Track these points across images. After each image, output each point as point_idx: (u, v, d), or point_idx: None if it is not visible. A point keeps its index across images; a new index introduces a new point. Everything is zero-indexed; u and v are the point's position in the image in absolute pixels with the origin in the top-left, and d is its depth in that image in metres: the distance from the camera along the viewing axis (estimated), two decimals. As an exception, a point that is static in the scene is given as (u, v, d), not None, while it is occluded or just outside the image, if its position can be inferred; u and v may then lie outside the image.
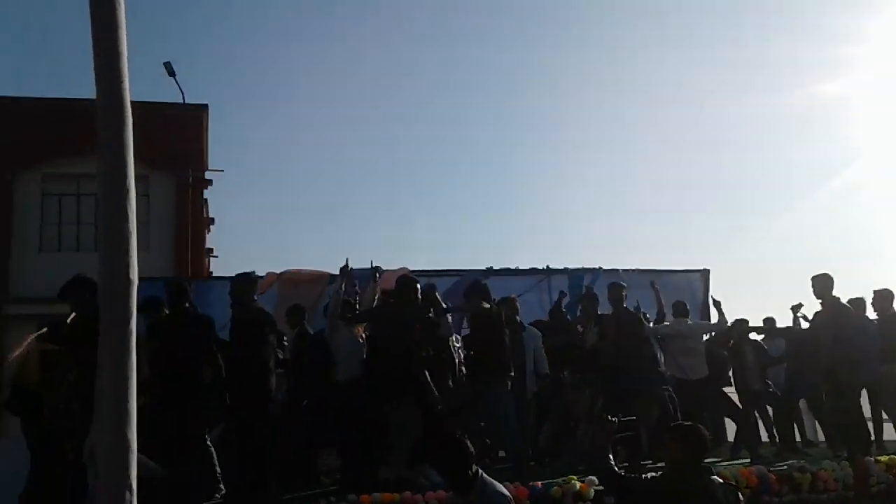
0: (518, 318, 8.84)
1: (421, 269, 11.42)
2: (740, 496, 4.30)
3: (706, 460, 4.31)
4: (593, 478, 6.51)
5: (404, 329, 7.11)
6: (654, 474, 4.49)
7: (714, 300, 9.66)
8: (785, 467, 7.07)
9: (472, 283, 8.23)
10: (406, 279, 7.72)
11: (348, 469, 7.17)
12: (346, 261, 8.13)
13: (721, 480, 4.23)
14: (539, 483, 6.45)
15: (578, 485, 6.41)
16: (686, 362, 8.85)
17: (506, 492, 4.61)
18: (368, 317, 7.63)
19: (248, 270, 7.58)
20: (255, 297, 7.71)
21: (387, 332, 7.16)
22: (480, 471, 4.59)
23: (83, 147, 19.12)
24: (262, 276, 11.33)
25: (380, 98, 48.80)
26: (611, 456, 4.52)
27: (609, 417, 4.61)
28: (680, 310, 9.32)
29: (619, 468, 4.49)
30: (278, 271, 11.99)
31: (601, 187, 51.42)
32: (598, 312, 9.15)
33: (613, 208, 50.49)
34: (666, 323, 9.27)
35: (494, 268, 11.99)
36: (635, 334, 8.31)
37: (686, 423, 4.52)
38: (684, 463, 4.12)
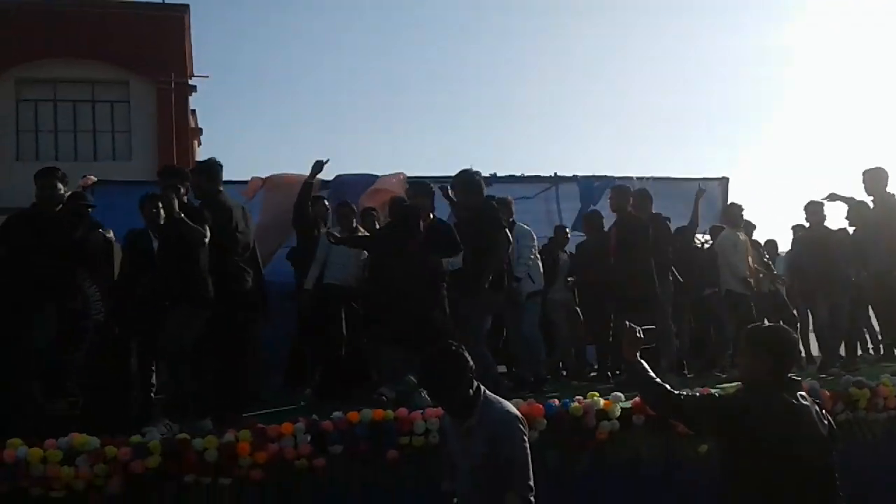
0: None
1: (419, 174, 10.43)
2: (833, 423, 3.38)
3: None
4: (619, 394, 5.65)
5: (415, 278, 6.08)
6: (719, 391, 3.56)
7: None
8: (839, 382, 6.18)
9: (460, 174, 6.95)
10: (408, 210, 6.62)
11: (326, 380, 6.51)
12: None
13: (809, 399, 3.31)
14: (556, 400, 5.57)
15: (602, 401, 5.54)
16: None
17: (515, 410, 3.70)
18: (364, 244, 6.79)
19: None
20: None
21: (393, 280, 6.14)
22: (484, 389, 3.67)
23: (60, 51, 18.14)
24: (246, 182, 10.53)
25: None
26: (647, 368, 3.60)
27: (631, 325, 3.69)
28: (734, 218, 8.48)
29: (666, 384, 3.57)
30: (263, 176, 10.93)
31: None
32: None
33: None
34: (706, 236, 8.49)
35: (498, 174, 11.10)
36: (634, 243, 7.32)
37: (770, 326, 3.63)
38: (767, 376, 3.22)
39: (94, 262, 5.69)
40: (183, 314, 5.34)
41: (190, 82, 20.06)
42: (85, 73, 18.67)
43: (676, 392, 3.49)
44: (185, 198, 5.55)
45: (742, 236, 8.28)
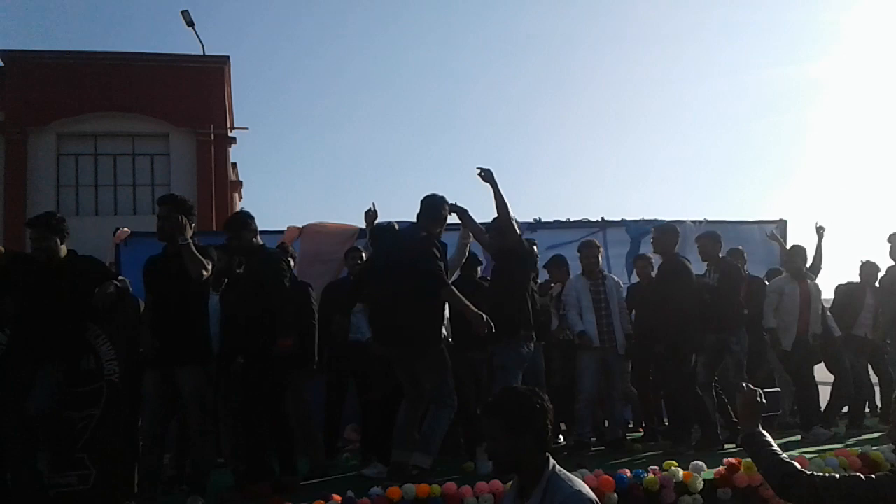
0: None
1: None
2: None
3: None
4: (700, 463, 4.90)
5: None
6: (867, 475, 2.82)
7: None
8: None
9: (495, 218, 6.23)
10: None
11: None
12: (373, 204, 6.89)
13: None
14: (627, 471, 4.83)
15: (681, 472, 4.79)
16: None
17: (589, 492, 2.96)
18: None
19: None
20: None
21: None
22: (554, 462, 2.98)
23: (101, 105, 18.13)
24: (282, 231, 10.11)
25: (413, 45, 47.11)
26: (771, 440, 2.90)
27: (750, 387, 3.01)
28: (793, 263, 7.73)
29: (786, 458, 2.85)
30: (301, 225, 10.50)
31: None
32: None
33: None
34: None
35: (543, 219, 10.56)
36: (674, 286, 6.65)
37: None
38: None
39: (109, 317, 5.13)
40: (196, 375, 4.90)
41: (230, 134, 19.92)
42: (125, 127, 18.62)
43: (809, 472, 2.78)
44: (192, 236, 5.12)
45: (797, 283, 7.44)
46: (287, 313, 5.17)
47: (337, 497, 4.43)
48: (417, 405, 5.33)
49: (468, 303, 5.21)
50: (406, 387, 5.36)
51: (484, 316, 5.10)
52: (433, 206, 5.60)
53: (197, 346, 5.00)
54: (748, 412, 3.00)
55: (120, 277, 5.56)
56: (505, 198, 5.78)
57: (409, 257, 5.28)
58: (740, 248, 8.02)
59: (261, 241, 5.50)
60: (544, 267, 7.77)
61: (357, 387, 6.78)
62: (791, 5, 49.50)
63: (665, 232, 7.00)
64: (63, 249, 4.96)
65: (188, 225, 5.07)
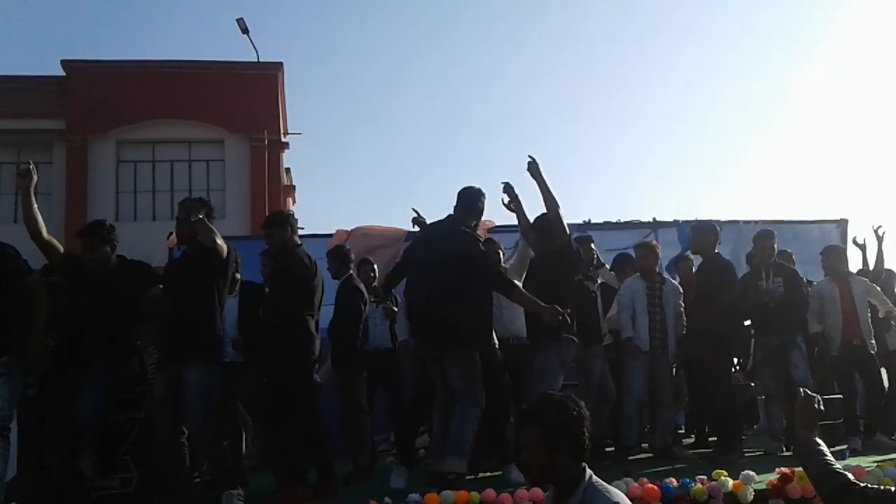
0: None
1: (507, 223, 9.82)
2: None
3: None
4: (751, 473, 4.72)
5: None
6: None
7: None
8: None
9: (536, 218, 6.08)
10: None
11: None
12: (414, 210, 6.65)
13: None
14: (674, 480, 4.68)
15: (731, 482, 4.62)
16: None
17: (627, 503, 2.83)
18: None
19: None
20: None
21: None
22: (591, 473, 2.86)
23: (158, 112, 18.51)
24: (331, 235, 10.15)
25: (469, 48, 47.05)
26: (825, 449, 2.76)
27: (808, 393, 2.87)
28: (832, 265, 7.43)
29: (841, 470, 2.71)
30: (349, 228, 10.53)
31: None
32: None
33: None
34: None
35: (593, 220, 10.39)
36: (716, 286, 6.44)
37: None
38: None
39: (153, 321, 5.18)
40: (197, 371, 4.81)
41: (283, 140, 20.15)
42: (182, 134, 18.98)
43: (862, 483, 2.64)
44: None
45: (837, 285, 7.10)
46: (286, 312, 5.10)
47: (373, 503, 4.37)
48: (451, 409, 5.16)
49: (535, 299, 5.14)
50: (440, 390, 5.23)
51: (556, 307, 5.02)
52: (469, 198, 5.46)
53: (201, 344, 4.84)
54: (805, 419, 2.86)
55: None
56: (554, 194, 5.63)
57: (457, 253, 5.15)
58: (788, 250, 7.73)
59: (299, 241, 5.44)
60: (611, 269, 7.63)
61: (387, 394, 6.77)
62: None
63: (702, 231, 6.77)
64: (113, 258, 5.03)
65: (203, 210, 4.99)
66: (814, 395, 2.88)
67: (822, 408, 2.84)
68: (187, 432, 4.96)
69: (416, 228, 6.66)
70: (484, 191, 5.55)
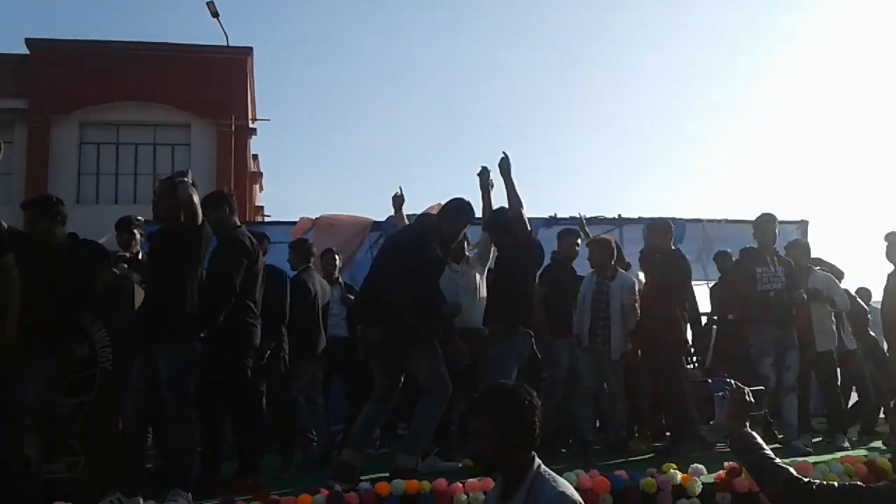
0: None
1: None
2: None
3: None
4: (699, 466, 4.77)
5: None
6: (869, 484, 2.69)
7: None
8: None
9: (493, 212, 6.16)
10: None
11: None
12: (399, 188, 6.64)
13: None
14: (623, 472, 4.71)
15: (679, 475, 4.66)
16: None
17: (573, 492, 2.83)
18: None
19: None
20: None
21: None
22: (539, 462, 2.87)
23: (124, 94, 18.23)
24: (295, 222, 10.08)
25: (437, 37, 47.00)
26: (762, 442, 2.78)
27: (738, 385, 2.90)
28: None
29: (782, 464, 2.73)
30: (314, 216, 10.45)
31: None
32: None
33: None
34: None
35: (559, 215, 10.43)
36: (667, 284, 6.50)
37: None
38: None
39: (105, 303, 5.08)
40: (182, 351, 4.63)
41: (251, 125, 19.96)
42: (147, 117, 18.74)
43: (805, 478, 2.65)
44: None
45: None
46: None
47: (325, 491, 4.34)
48: (384, 405, 5.15)
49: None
50: (378, 381, 5.14)
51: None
52: (453, 210, 5.45)
53: (174, 325, 4.64)
54: (736, 412, 2.88)
55: (121, 264, 5.56)
56: (519, 193, 5.68)
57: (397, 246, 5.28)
58: (728, 250, 7.79)
59: (238, 223, 5.33)
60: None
61: (343, 382, 6.85)
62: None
63: (658, 228, 6.79)
64: (60, 233, 4.89)
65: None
66: (742, 386, 2.90)
67: (752, 399, 2.86)
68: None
69: (394, 209, 6.68)
70: (472, 210, 5.53)
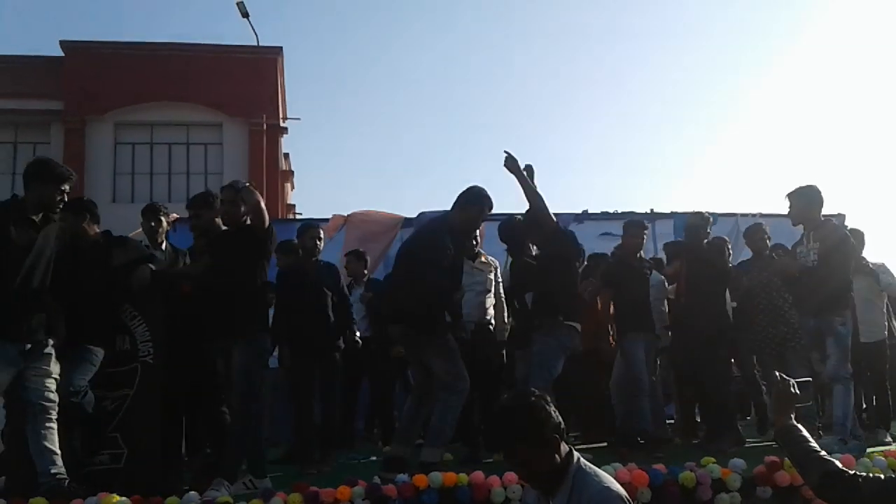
0: None
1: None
2: None
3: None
4: (739, 460, 4.73)
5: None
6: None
7: None
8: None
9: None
10: None
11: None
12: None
13: None
14: (661, 466, 4.68)
15: (719, 469, 4.62)
16: None
17: (618, 487, 2.82)
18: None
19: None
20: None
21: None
22: (578, 455, 2.85)
23: (157, 94, 18.43)
24: (327, 219, 10.11)
25: (471, 40, 46.99)
26: (807, 435, 2.75)
27: (783, 377, 2.86)
28: None
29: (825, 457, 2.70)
30: (345, 213, 10.50)
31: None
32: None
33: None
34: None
35: (590, 210, 10.42)
36: (702, 276, 6.41)
37: None
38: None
39: (145, 299, 5.16)
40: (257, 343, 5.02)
41: (282, 124, 20.08)
42: (180, 116, 18.92)
43: (851, 471, 2.62)
44: None
45: None
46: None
47: (363, 483, 4.37)
48: (426, 399, 5.29)
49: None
50: (417, 377, 5.35)
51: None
52: (469, 196, 5.45)
53: (243, 323, 5.00)
54: (781, 404, 2.84)
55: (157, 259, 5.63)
56: (535, 186, 5.60)
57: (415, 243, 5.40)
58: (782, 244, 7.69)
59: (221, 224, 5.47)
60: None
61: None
62: None
63: (693, 223, 6.72)
64: (93, 231, 4.99)
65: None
66: (788, 379, 2.87)
67: (797, 392, 2.83)
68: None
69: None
70: (487, 198, 5.47)
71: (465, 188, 5.51)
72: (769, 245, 7.04)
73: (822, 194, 6.08)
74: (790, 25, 48.22)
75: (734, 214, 10.35)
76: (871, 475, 2.66)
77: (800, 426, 2.80)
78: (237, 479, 4.79)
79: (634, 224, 6.83)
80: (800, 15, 48.68)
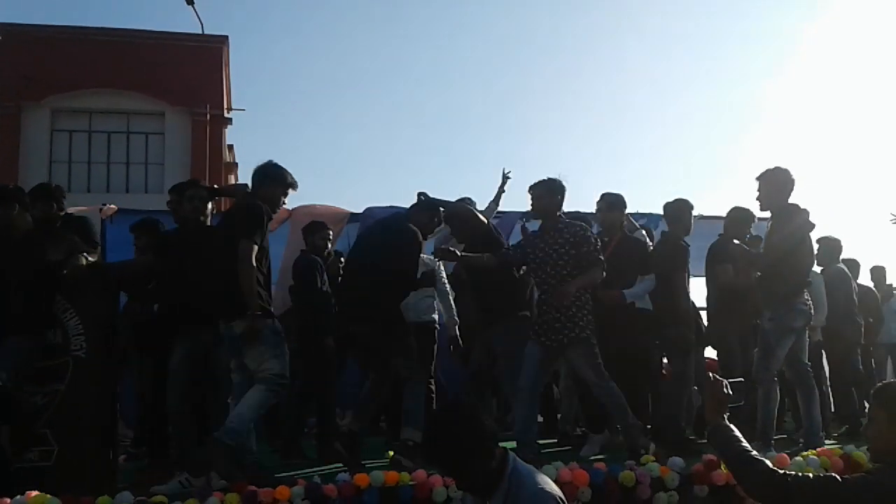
0: None
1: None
2: None
3: None
4: (678, 459, 4.77)
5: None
6: (843, 476, 2.70)
7: None
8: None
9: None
10: None
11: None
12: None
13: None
14: (602, 465, 4.70)
15: (658, 468, 4.66)
16: None
17: (552, 487, 2.84)
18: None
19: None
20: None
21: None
22: (513, 456, 2.86)
23: (97, 81, 17.96)
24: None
25: (419, 31, 46.93)
26: (739, 435, 2.78)
27: (716, 377, 2.89)
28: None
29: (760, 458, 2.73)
30: (290, 207, 10.31)
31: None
32: None
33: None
34: None
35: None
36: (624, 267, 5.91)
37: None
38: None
39: (79, 291, 5.00)
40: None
41: (226, 115, 19.79)
42: (121, 104, 18.53)
43: (781, 471, 2.66)
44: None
45: None
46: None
47: (301, 482, 4.30)
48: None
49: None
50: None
51: None
52: (420, 210, 5.64)
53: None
54: (713, 404, 2.87)
55: (91, 250, 5.46)
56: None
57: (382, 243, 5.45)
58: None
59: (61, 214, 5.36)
60: None
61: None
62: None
63: (609, 204, 6.27)
64: (21, 220, 4.82)
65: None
66: (720, 379, 2.89)
67: (729, 392, 2.85)
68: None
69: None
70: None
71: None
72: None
73: (793, 178, 5.68)
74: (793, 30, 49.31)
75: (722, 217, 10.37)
76: (800, 474, 2.71)
77: (732, 426, 2.83)
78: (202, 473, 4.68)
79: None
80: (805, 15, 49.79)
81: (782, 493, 2.61)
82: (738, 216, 6.40)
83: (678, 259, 6.09)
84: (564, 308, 5.13)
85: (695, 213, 6.40)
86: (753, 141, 50.99)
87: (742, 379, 3.13)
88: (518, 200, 6.33)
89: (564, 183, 5.46)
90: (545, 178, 5.48)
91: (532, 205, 5.51)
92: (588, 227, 5.57)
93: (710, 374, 2.97)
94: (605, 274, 5.41)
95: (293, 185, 5.03)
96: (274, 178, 4.93)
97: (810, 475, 2.70)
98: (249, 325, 4.49)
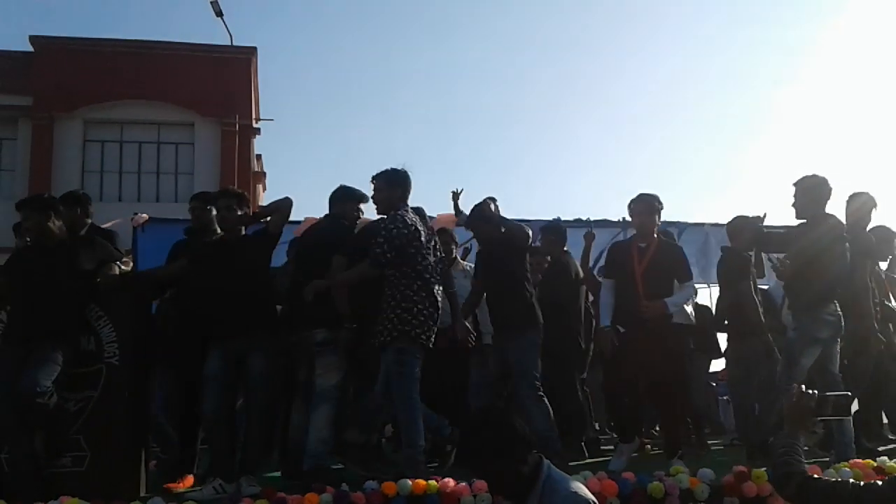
0: None
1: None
2: None
3: None
4: (708, 470, 4.74)
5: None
6: (856, 482, 2.68)
7: None
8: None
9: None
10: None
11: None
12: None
13: None
14: (631, 475, 4.68)
15: (687, 479, 4.63)
16: None
17: (586, 492, 2.85)
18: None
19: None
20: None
21: None
22: (548, 463, 2.88)
23: (128, 92, 18.20)
24: (300, 222, 10.03)
25: (442, 38, 47.04)
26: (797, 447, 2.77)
27: (806, 390, 2.84)
28: None
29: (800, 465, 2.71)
30: (318, 216, 10.38)
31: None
32: None
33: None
34: None
35: (563, 218, 10.41)
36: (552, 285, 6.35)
37: None
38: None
39: (114, 299, 5.07)
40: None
41: (254, 125, 19.95)
42: (151, 115, 18.71)
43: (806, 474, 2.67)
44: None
45: None
46: None
47: (330, 489, 4.32)
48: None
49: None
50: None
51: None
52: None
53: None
54: (797, 415, 2.81)
55: (124, 259, 5.55)
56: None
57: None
58: None
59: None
60: None
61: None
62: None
63: (549, 231, 6.68)
64: (57, 229, 4.90)
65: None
66: (811, 392, 2.81)
67: (814, 406, 2.78)
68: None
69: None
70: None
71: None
72: None
73: (830, 187, 5.58)
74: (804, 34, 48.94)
75: (703, 224, 10.39)
76: (817, 477, 2.72)
77: (796, 442, 2.77)
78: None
79: (551, 229, 6.81)
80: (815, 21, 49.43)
81: (799, 493, 2.64)
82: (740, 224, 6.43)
83: (744, 269, 6.36)
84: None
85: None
86: (761, 148, 50.49)
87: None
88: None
89: (409, 173, 5.26)
90: (388, 168, 5.28)
91: (371, 196, 5.40)
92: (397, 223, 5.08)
93: (801, 386, 2.89)
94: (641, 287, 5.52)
95: (363, 199, 5.54)
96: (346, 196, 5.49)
97: (830, 479, 2.69)
98: (334, 335, 4.94)
